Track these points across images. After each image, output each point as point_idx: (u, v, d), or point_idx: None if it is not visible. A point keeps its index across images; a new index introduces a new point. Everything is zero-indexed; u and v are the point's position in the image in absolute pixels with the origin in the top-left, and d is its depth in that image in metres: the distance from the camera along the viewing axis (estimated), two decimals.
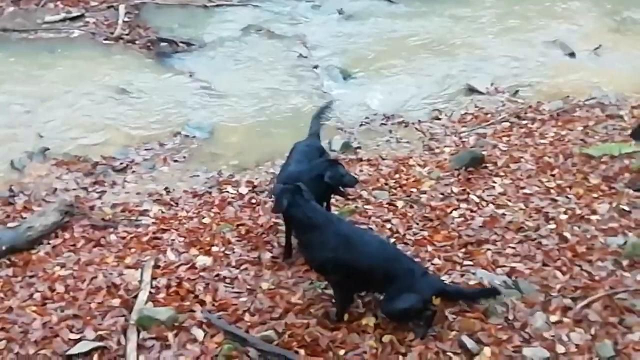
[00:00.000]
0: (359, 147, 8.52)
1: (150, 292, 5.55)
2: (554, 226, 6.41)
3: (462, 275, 5.74)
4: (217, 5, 12.57)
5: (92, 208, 7.09)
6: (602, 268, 5.80)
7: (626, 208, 6.64)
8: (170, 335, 5.08)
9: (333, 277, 5.28)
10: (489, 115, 9.24)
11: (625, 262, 5.84)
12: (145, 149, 8.41)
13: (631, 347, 4.91)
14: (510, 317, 5.23)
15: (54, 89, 9.61)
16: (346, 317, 5.24)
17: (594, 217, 6.53)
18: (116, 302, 5.46)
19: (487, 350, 4.89)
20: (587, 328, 5.11)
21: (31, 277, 5.88)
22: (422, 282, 5.03)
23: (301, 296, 5.50)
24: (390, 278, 5.02)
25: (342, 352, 4.92)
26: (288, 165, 6.46)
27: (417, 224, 6.64)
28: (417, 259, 5.85)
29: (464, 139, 8.56)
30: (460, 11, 12.56)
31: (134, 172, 7.95)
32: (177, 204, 7.26)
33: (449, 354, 4.88)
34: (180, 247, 6.28)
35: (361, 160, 8.19)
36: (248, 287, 5.67)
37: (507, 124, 8.93)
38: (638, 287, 5.51)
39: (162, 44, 11.21)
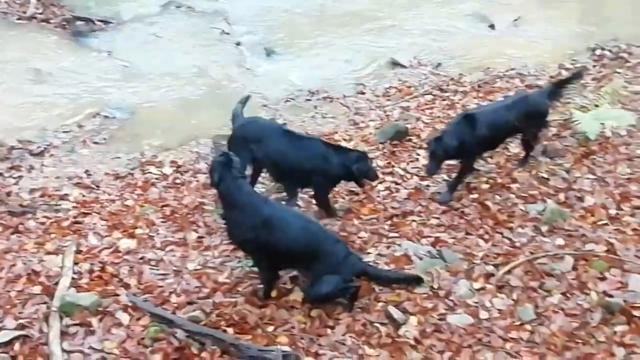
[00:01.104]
0: (284, 124, 8.49)
1: (72, 278, 5.47)
2: (476, 196, 6.60)
3: (388, 247, 5.86)
4: None
5: (8, 194, 6.86)
6: (522, 234, 6.01)
7: (545, 176, 6.87)
8: (94, 320, 5.03)
9: (254, 256, 5.32)
10: (412, 89, 9.33)
11: (544, 228, 6.06)
12: (64, 132, 8.19)
13: (551, 310, 5.12)
14: (435, 286, 5.37)
15: None
16: (274, 293, 5.29)
17: (514, 186, 6.73)
18: (37, 289, 5.35)
19: (413, 320, 5.02)
20: (509, 293, 5.30)
21: None
22: (344, 263, 5.11)
23: (228, 275, 5.53)
24: (313, 259, 5.10)
25: (270, 328, 4.99)
26: None
27: (344, 198, 6.71)
28: (343, 235, 5.95)
29: (388, 113, 8.65)
30: None
31: (52, 155, 7.74)
32: (98, 187, 7.12)
33: (376, 324, 5.00)
34: (103, 231, 6.20)
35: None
36: (174, 268, 5.66)
37: (430, 96, 9.04)
38: (557, 252, 5.73)
39: (78, 22, 10.87)
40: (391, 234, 6.04)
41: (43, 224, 6.38)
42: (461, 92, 9.12)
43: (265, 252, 5.15)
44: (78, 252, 5.83)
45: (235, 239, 5.39)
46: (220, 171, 5.20)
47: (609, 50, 10.24)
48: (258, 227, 5.11)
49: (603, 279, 5.40)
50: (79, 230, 6.22)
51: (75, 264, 5.65)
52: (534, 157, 7.16)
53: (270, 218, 5.18)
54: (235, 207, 5.21)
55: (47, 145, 7.91)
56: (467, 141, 6.39)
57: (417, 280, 5.33)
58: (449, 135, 6.38)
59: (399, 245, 5.83)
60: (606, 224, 6.09)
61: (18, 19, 10.87)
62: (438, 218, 6.30)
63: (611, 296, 5.18)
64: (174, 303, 5.22)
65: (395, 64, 10.07)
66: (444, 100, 8.91)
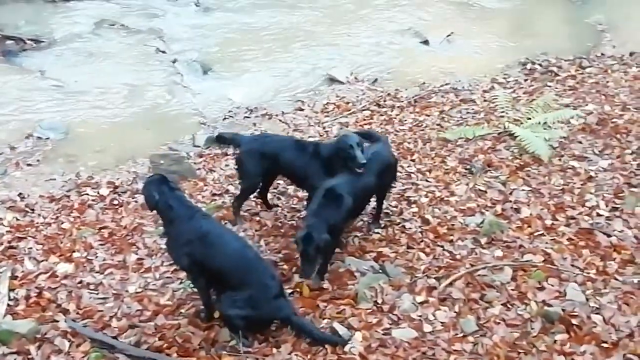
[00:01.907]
0: (224, 143, 8.46)
1: (8, 305, 5.32)
2: (416, 209, 6.62)
3: (331, 264, 5.82)
4: (66, 0, 12.06)
5: None
6: (462, 247, 6.04)
7: (482, 188, 6.94)
8: (32, 348, 4.88)
9: (191, 274, 5.23)
10: (350, 104, 9.41)
11: (483, 240, 6.10)
12: None
13: (492, 321, 5.14)
14: (379, 300, 5.35)
15: None
16: (217, 314, 5.21)
17: (452, 199, 6.79)
18: None
19: (358, 335, 4.98)
20: (452, 305, 5.31)
21: None
22: (271, 302, 4.98)
23: (170, 297, 5.44)
24: (241, 285, 4.96)
25: (215, 351, 4.92)
26: None
27: (285, 216, 6.70)
28: (285, 252, 5.93)
29: (327, 129, 8.68)
30: (318, 2, 12.72)
31: None
32: (33, 210, 6.98)
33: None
34: (39, 255, 6.05)
35: (226, 154, 8.14)
36: (114, 291, 5.55)
37: (368, 112, 9.13)
38: (496, 263, 5.78)
39: (8, 42, 10.68)
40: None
41: None
42: (398, 107, 9.23)
43: (200, 268, 5.06)
44: (13, 277, 5.67)
45: (172, 253, 5.29)
46: (158, 188, 5.13)
47: (540, 64, 10.52)
48: (195, 241, 5.04)
49: (542, 288, 5.48)
50: (14, 255, 6.05)
51: (11, 290, 5.50)
52: (471, 170, 7.29)
53: (209, 233, 5.12)
54: (175, 221, 5.14)
55: None
56: (336, 223, 5.60)
57: (340, 342, 4.96)
58: (317, 228, 5.39)
59: (342, 261, 5.82)
60: (542, 234, 6.18)
61: None
62: (379, 233, 6.30)
63: (550, 305, 5.25)
64: (115, 327, 5.09)
65: (332, 80, 10.16)
66: (381, 115, 9.01)
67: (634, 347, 4.82)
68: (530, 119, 8.15)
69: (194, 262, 5.04)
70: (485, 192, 6.87)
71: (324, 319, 5.18)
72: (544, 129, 7.88)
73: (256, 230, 6.43)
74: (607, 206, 6.55)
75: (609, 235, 6.12)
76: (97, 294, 5.53)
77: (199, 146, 8.40)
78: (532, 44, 11.39)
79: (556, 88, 9.44)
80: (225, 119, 9.12)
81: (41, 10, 11.72)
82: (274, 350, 4.90)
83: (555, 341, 4.93)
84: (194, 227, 5.08)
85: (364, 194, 5.96)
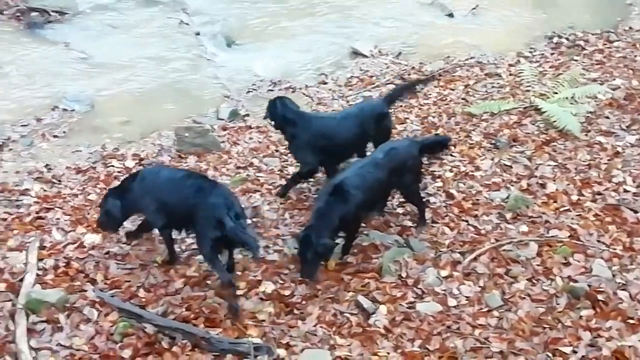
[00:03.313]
0: (247, 115, 8.49)
1: (37, 275, 5.38)
2: (440, 184, 6.63)
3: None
4: None
5: None
6: (487, 222, 6.06)
7: (507, 163, 6.94)
8: (61, 317, 4.95)
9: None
10: (374, 78, 9.37)
11: (508, 215, 6.12)
12: (22, 125, 8.07)
13: (517, 296, 5.17)
14: (403, 274, 5.38)
15: None
16: (244, 285, 5.26)
17: (477, 174, 6.79)
18: (1, 286, 5.25)
19: (382, 309, 5.03)
20: (476, 280, 5.34)
21: None
22: None
23: (197, 268, 5.48)
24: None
25: (242, 322, 4.95)
26: None
27: (310, 190, 6.70)
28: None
29: (350, 103, 8.64)
30: None
31: (10, 150, 7.63)
32: (60, 181, 7.04)
33: (346, 314, 5.00)
34: (67, 226, 6.11)
35: (250, 127, 8.17)
36: (141, 262, 5.60)
37: (392, 85, 9.02)
38: (521, 238, 5.79)
39: (33, 13, 10.65)
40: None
41: (4, 219, 6.28)
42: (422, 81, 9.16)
43: None
44: (42, 248, 5.74)
45: None
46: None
47: (566, 38, 10.41)
48: None
49: (567, 264, 5.48)
50: (42, 226, 6.12)
51: (40, 260, 5.57)
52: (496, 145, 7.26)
53: None
54: None
55: (5, 139, 7.79)
56: (345, 218, 5.50)
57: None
58: (318, 231, 5.31)
59: (367, 234, 5.85)
60: (568, 210, 6.18)
61: None
62: (404, 207, 6.31)
63: (576, 281, 5.26)
64: (142, 297, 5.17)
65: (356, 53, 10.10)
66: None
67: None
68: (556, 93, 8.10)
69: None
70: (511, 167, 6.87)
71: (348, 291, 5.22)
72: (571, 103, 7.82)
73: (281, 204, 6.46)
74: (634, 182, 6.54)
75: (635, 212, 6.12)
76: (125, 264, 5.60)
77: (222, 119, 8.43)
78: (559, 17, 11.22)
79: (583, 62, 9.35)
80: (248, 92, 9.12)
81: None
82: (299, 322, 4.95)
83: (580, 317, 4.94)
84: None
85: (376, 188, 5.76)
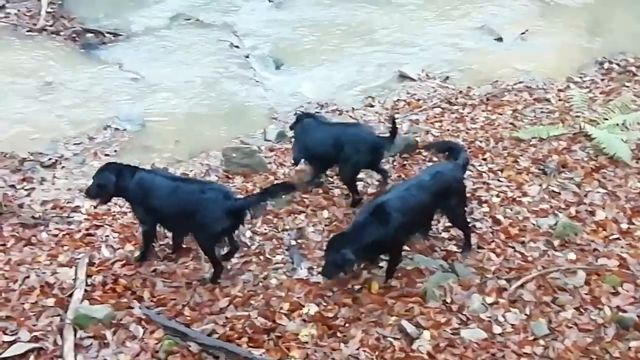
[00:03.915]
0: (294, 136, 8.51)
1: (85, 290, 5.45)
2: (487, 209, 6.56)
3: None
4: None
5: (21, 206, 6.87)
6: (534, 249, 5.97)
7: (556, 189, 6.85)
8: (108, 333, 5.01)
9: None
10: (421, 102, 9.34)
11: (556, 242, 6.03)
12: (75, 144, 8.21)
13: (564, 325, 5.08)
14: (448, 300, 5.33)
15: None
16: (287, 306, 5.27)
17: (525, 199, 6.71)
18: (51, 301, 5.34)
19: (426, 334, 4.98)
20: (522, 308, 5.26)
21: None
22: None
23: (241, 288, 5.50)
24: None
25: (285, 343, 4.96)
26: None
27: (354, 212, 6.68)
28: None
29: (397, 124, 8.62)
30: None
31: (63, 167, 7.76)
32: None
33: (389, 339, 4.96)
34: (115, 243, 6.19)
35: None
36: (186, 281, 5.64)
37: (439, 109, 9.04)
38: (569, 266, 5.70)
39: (88, 34, 10.92)
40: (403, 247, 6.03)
41: (55, 235, 6.39)
42: (470, 105, 9.13)
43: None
44: (91, 264, 5.83)
45: None
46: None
47: (617, 64, 10.28)
48: None
49: (616, 293, 5.37)
50: (92, 243, 6.22)
51: (89, 276, 5.65)
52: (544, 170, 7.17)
53: None
54: None
55: (59, 157, 7.93)
56: (384, 240, 5.47)
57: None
58: (346, 243, 5.33)
59: (411, 259, 5.81)
60: (618, 239, 6.07)
61: (28, 31, 10.95)
62: (449, 231, 6.26)
63: (625, 311, 5.16)
64: (187, 316, 5.20)
65: (403, 76, 10.09)
66: (452, 113, 8.92)
67: None
68: (607, 119, 7.98)
69: None
70: (559, 193, 6.78)
71: (392, 316, 5.19)
72: (621, 130, 7.71)
73: (325, 225, 6.48)
74: None
75: None
76: (171, 282, 5.64)
77: (270, 140, 8.47)
78: (609, 42, 11.10)
79: (634, 88, 9.22)
80: (296, 113, 9.16)
81: (120, 3, 11.96)
82: (342, 345, 4.93)
83: (629, 348, 4.84)
84: None
85: (418, 211, 5.69)
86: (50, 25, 11.07)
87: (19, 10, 11.40)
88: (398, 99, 9.50)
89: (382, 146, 6.81)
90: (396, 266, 5.67)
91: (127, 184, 5.69)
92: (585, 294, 5.38)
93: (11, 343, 4.93)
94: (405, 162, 7.53)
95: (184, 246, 6.06)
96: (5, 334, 5.03)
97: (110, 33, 11.02)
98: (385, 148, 6.86)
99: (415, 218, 5.68)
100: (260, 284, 5.54)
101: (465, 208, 6.18)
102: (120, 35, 11.04)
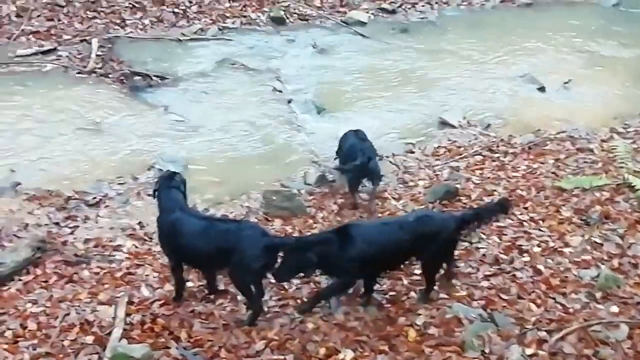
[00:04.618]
0: (333, 181, 8.53)
1: (124, 329, 5.49)
2: (527, 259, 6.47)
3: (437, 310, 5.75)
4: (191, 40, 12.55)
5: (64, 243, 6.99)
6: (575, 300, 5.85)
7: (598, 240, 6.73)
8: None
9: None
10: (462, 149, 9.31)
11: (598, 295, 5.90)
12: (119, 183, 8.31)
13: None
14: (487, 350, 5.24)
15: (26, 123, 9.52)
16: (324, 351, 5.23)
17: (566, 250, 6.60)
18: (90, 339, 5.39)
19: None
20: None
21: (2, 314, 5.79)
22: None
23: (278, 331, 5.47)
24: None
25: None
26: None
27: None
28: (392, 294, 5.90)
29: (437, 172, 8.63)
30: (431, 46, 12.75)
31: (107, 206, 7.84)
32: (151, 238, 7.17)
33: None
34: (155, 283, 6.24)
35: (337, 192, 8.21)
36: (224, 322, 5.64)
37: (480, 157, 9.01)
38: (611, 319, 5.57)
39: (136, 77, 11.14)
40: (441, 295, 5.95)
41: (97, 274, 6.46)
42: (511, 153, 9.08)
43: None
44: (130, 303, 5.87)
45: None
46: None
47: None
48: None
49: None
50: (132, 281, 6.27)
51: (128, 315, 5.68)
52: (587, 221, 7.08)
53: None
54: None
55: (103, 196, 8.02)
56: (335, 262, 5.58)
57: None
58: (305, 245, 5.60)
59: (450, 307, 5.74)
60: None
61: (78, 73, 11.23)
62: (489, 280, 6.19)
63: None
64: (224, 358, 5.20)
65: (444, 123, 10.08)
66: (494, 161, 8.88)
67: None
68: None
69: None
70: (602, 244, 6.66)
71: None
72: None
73: None
74: None
75: None
76: (208, 323, 5.64)
77: (310, 184, 8.49)
78: None
79: None
80: (336, 158, 9.19)
81: (167, 48, 12.22)
82: None
83: None
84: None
85: (388, 249, 5.67)
86: (100, 68, 11.33)
87: (69, 53, 11.70)
88: (439, 146, 9.48)
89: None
90: (332, 291, 5.67)
91: None
92: (628, 348, 5.25)
93: None
94: (444, 210, 7.47)
95: (221, 288, 6.09)
96: None
97: (157, 76, 11.21)
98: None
99: (382, 255, 5.64)
100: (297, 328, 5.49)
101: (448, 264, 6.06)
102: (167, 78, 11.23)
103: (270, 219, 7.56)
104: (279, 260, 5.55)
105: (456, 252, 6.48)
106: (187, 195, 6.26)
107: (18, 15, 12.43)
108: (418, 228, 5.73)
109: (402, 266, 6.05)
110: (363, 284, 5.86)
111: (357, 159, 7.67)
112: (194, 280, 6.22)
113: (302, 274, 5.76)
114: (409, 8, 14.35)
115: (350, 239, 5.54)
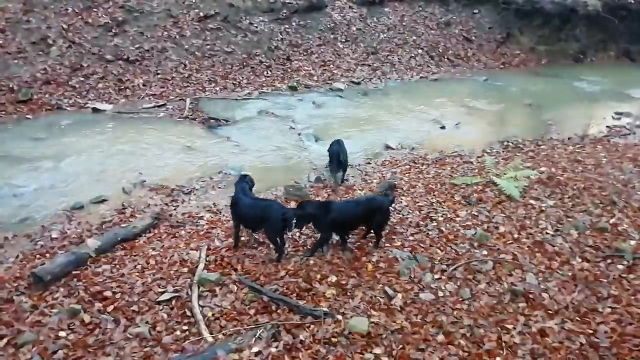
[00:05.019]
0: (324, 180, 8.54)
1: (205, 264, 5.53)
2: (435, 224, 6.53)
3: (384, 253, 5.77)
4: (244, 99, 12.52)
5: (170, 215, 7.02)
6: (462, 247, 5.94)
7: (475, 213, 6.80)
8: (217, 289, 5.10)
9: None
10: (398, 161, 9.31)
11: (476, 244, 5.98)
12: (202, 181, 8.28)
13: (480, 292, 5.04)
14: (412, 276, 5.31)
15: (148, 146, 9.50)
16: (319, 276, 5.23)
17: (458, 219, 6.66)
18: (185, 270, 5.44)
19: (399, 295, 4.98)
20: (455, 281, 5.24)
21: (135, 256, 5.84)
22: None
23: (293, 265, 5.52)
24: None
25: (317, 298, 4.94)
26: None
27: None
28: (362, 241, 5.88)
29: (384, 175, 8.64)
30: (381, 102, 12.73)
31: (195, 194, 7.83)
32: (220, 212, 7.21)
33: (378, 297, 4.96)
34: (223, 238, 6.26)
35: (326, 187, 8.24)
36: (262, 260, 5.68)
37: (408, 166, 9.01)
38: (483, 258, 5.64)
39: (211, 120, 11.07)
40: (386, 245, 5.99)
41: (189, 232, 6.49)
42: (426, 164, 9.07)
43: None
44: (208, 249, 5.90)
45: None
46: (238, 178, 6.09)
47: (512, 143, 10.19)
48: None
49: (510, 275, 5.31)
50: (209, 237, 6.29)
51: (207, 256, 5.72)
52: (469, 202, 7.08)
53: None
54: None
55: (192, 188, 8.00)
56: (322, 220, 5.58)
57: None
58: (300, 207, 5.63)
59: (391, 251, 5.79)
60: (512, 243, 6.00)
61: (178, 118, 11.16)
62: (413, 236, 6.22)
63: (516, 285, 5.08)
64: (262, 280, 5.24)
65: (388, 147, 10.06)
66: (416, 168, 8.86)
67: (568, 314, 4.57)
68: (505, 174, 7.90)
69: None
70: (477, 216, 6.73)
71: (379, 284, 5.17)
72: (514, 180, 7.62)
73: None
74: (552, 228, 6.29)
75: (553, 246, 5.89)
76: (253, 260, 5.68)
77: (311, 182, 8.48)
78: (508, 130, 11.03)
79: (522, 157, 9.12)
80: (326, 167, 9.18)
81: (230, 103, 12.14)
82: (350, 300, 4.88)
83: (518, 307, 4.78)
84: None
85: (350, 216, 5.62)
86: (191, 115, 11.25)
87: (173, 106, 11.64)
88: (385, 160, 9.47)
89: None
90: (320, 243, 5.64)
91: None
92: (493, 274, 5.33)
93: (162, 293, 5.03)
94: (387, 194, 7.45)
95: (260, 240, 6.09)
96: (159, 287, 5.13)
97: (224, 119, 11.13)
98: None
99: (347, 219, 5.62)
100: (304, 263, 5.54)
101: (386, 225, 6.02)
102: (229, 121, 11.14)
103: (288, 201, 7.56)
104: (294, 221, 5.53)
105: (394, 220, 6.55)
106: (253, 187, 6.29)
107: (144, 85, 12.38)
108: (368, 205, 5.74)
109: (360, 227, 6.05)
110: (340, 238, 5.85)
111: (336, 158, 8.03)
112: (244, 236, 6.22)
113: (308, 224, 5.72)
114: (368, 81, 14.35)
115: (329, 209, 5.55)
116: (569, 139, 10.42)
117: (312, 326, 4.51)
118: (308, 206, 5.59)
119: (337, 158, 8.04)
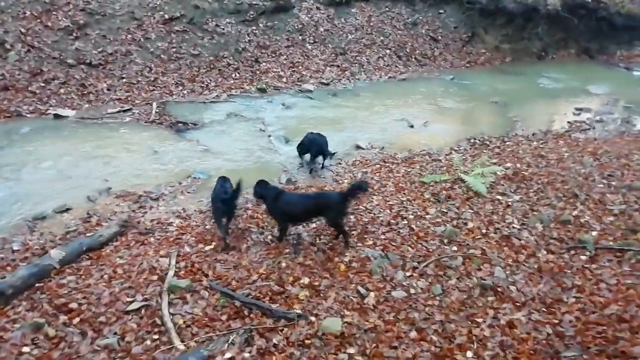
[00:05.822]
0: (296, 181, 8.54)
1: (175, 271, 5.46)
2: (406, 222, 6.61)
3: (356, 252, 5.81)
4: (212, 102, 12.36)
5: (138, 222, 6.89)
6: (433, 244, 6.02)
7: (445, 210, 6.91)
8: (188, 295, 5.04)
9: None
10: (368, 161, 9.38)
11: (446, 241, 6.08)
12: (170, 186, 8.16)
13: (451, 288, 5.13)
14: (385, 274, 5.36)
15: (113, 151, 9.27)
16: (291, 279, 5.23)
17: (427, 216, 6.76)
18: (155, 277, 5.37)
19: (372, 294, 5.01)
20: (427, 278, 5.31)
21: (102, 265, 5.70)
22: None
23: (265, 269, 5.49)
24: None
25: (290, 300, 4.93)
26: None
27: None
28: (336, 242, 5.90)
29: (355, 175, 8.68)
30: (350, 103, 12.80)
31: (163, 200, 7.71)
32: (190, 217, 7.11)
33: (351, 297, 5.00)
34: (193, 243, 6.19)
35: (298, 188, 8.22)
36: (233, 264, 5.63)
37: (378, 165, 9.08)
38: (453, 254, 5.75)
39: (179, 124, 10.90)
40: (358, 244, 6.03)
41: (158, 239, 6.38)
42: (396, 163, 9.15)
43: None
44: (178, 255, 5.82)
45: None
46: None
47: (479, 140, 10.41)
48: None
49: (479, 270, 5.42)
50: (179, 243, 6.22)
51: (177, 262, 5.65)
52: (438, 200, 7.19)
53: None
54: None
55: (161, 194, 7.88)
56: (272, 207, 5.94)
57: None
58: (258, 186, 6.17)
59: (363, 250, 5.83)
60: (480, 238, 6.13)
61: (145, 122, 10.92)
62: (385, 234, 6.27)
63: (484, 280, 5.19)
64: (234, 285, 5.20)
65: (358, 147, 10.11)
66: (386, 167, 8.94)
67: (535, 306, 4.70)
68: (473, 170, 8.07)
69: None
70: (447, 212, 6.84)
71: (352, 284, 5.20)
72: (482, 176, 7.80)
73: (313, 229, 6.42)
74: (518, 222, 6.46)
75: (519, 239, 6.03)
76: (225, 265, 5.62)
77: (282, 183, 8.45)
78: (475, 128, 11.25)
79: (489, 153, 9.33)
80: (297, 168, 9.21)
81: (198, 107, 11.95)
82: (323, 301, 4.91)
83: (487, 300, 4.86)
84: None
85: (298, 208, 5.76)
86: (157, 119, 11.04)
87: (140, 111, 11.40)
88: (355, 160, 9.52)
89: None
90: (280, 230, 5.86)
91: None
92: (463, 269, 5.43)
93: (131, 302, 4.93)
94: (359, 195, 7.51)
95: (231, 245, 6.04)
96: (128, 297, 5.02)
97: (192, 123, 10.97)
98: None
99: (295, 211, 5.73)
100: (276, 266, 5.53)
101: (344, 221, 5.99)
102: (197, 124, 11.00)
103: (259, 204, 7.50)
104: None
105: (365, 220, 6.59)
106: (230, 186, 6.41)
107: (108, 89, 12.08)
108: (316, 199, 5.81)
109: (311, 219, 6.09)
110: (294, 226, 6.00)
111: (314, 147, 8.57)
112: (215, 241, 6.16)
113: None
114: (337, 82, 14.40)
115: (279, 199, 5.69)
116: (533, 135, 10.72)
117: (285, 329, 4.50)
118: (260, 187, 5.95)
119: (317, 144, 8.50)
